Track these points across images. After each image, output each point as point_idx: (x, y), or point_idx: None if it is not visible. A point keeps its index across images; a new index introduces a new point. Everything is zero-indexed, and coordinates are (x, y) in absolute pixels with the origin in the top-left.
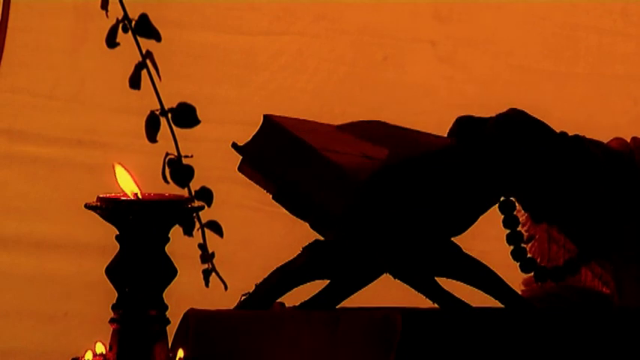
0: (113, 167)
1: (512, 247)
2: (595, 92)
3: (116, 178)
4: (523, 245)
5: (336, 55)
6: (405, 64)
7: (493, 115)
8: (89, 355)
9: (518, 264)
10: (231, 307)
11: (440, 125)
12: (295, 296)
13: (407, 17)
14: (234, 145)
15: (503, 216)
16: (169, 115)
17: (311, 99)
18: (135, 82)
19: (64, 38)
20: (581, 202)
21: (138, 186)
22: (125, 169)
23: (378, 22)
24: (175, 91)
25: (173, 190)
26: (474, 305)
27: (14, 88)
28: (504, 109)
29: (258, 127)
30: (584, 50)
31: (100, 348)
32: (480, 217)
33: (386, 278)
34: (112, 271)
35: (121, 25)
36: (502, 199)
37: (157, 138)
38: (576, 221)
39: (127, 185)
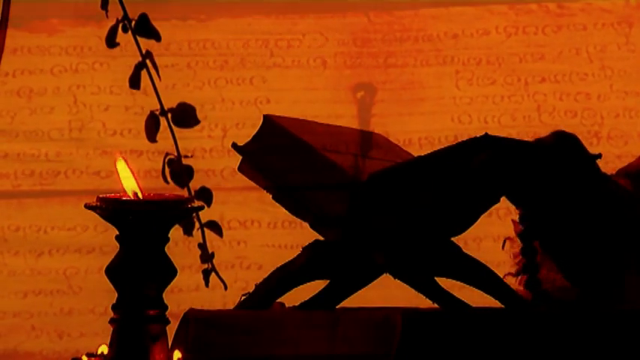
0: (115, 161)
1: (527, 276)
2: (595, 92)
3: (117, 172)
4: (539, 277)
5: (335, 56)
6: (405, 65)
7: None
8: (85, 359)
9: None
10: (231, 307)
11: (440, 125)
12: (295, 296)
13: (407, 17)
14: (234, 145)
15: (522, 245)
16: (169, 115)
17: (311, 99)
18: (135, 82)
19: (64, 38)
20: (595, 241)
21: (138, 183)
22: (127, 165)
23: (378, 22)
24: (175, 91)
25: (173, 190)
26: (474, 305)
27: (14, 88)
28: (504, 110)
29: (258, 127)
30: (585, 50)
31: (100, 349)
32: (480, 217)
33: (386, 278)
34: (112, 271)
35: (121, 25)
36: (521, 228)
37: (157, 138)
38: (582, 260)
39: (128, 182)
